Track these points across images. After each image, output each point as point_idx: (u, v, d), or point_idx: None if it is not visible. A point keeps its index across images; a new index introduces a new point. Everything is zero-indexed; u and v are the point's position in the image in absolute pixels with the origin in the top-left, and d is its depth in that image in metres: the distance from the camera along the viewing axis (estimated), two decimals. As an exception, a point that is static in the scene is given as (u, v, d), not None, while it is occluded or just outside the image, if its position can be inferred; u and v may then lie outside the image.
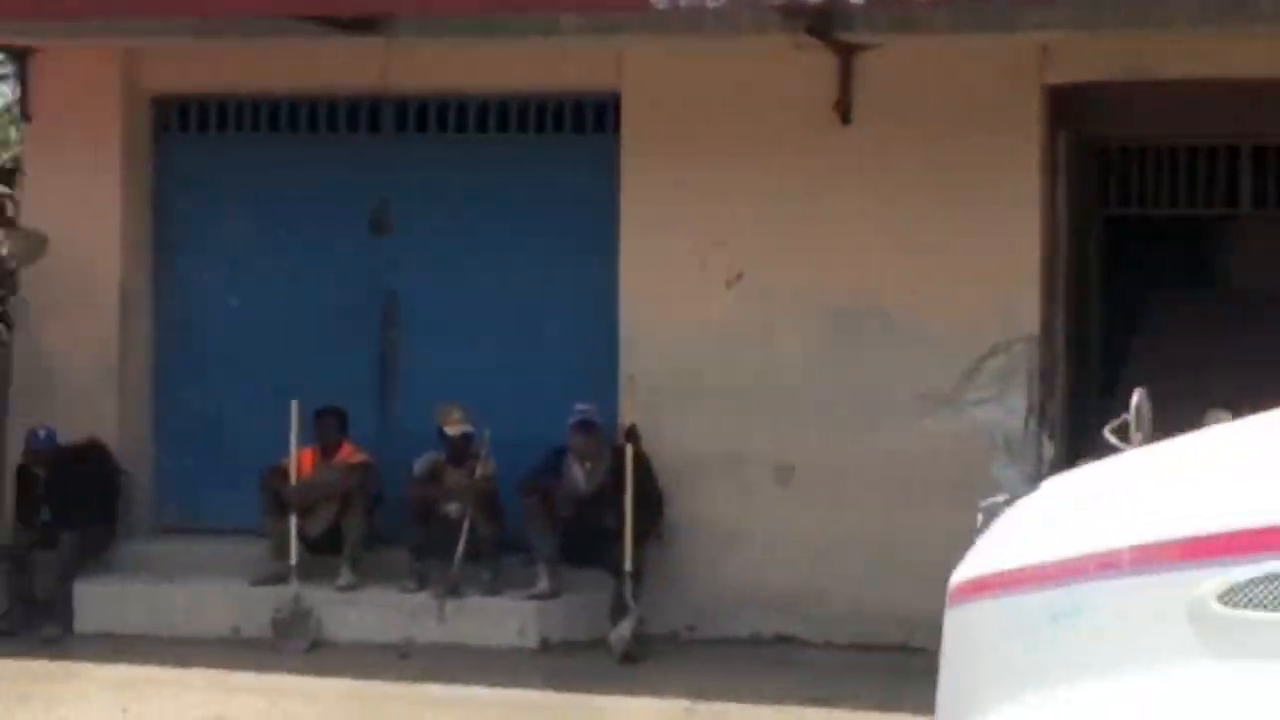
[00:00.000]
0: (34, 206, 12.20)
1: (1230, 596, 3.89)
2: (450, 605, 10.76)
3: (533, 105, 11.67)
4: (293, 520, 11.02)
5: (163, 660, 10.33)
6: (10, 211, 12.49)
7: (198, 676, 10.06)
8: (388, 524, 11.30)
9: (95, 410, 11.74)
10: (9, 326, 12.86)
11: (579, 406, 10.88)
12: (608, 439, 10.99)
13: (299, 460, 11.12)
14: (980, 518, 4.79)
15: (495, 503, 11.02)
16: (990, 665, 4.32)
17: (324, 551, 11.17)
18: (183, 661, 10.29)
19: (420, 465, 11.14)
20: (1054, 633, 4.11)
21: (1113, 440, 5.10)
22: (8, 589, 11.25)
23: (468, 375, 11.49)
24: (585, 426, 10.85)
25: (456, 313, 11.73)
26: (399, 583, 11.03)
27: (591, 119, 11.61)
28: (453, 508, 10.98)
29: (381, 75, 11.39)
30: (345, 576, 11.03)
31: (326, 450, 11.29)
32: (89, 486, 11.44)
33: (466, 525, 10.80)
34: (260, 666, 10.25)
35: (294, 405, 10.91)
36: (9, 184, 14.77)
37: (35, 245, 11.99)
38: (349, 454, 11.31)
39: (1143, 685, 3.96)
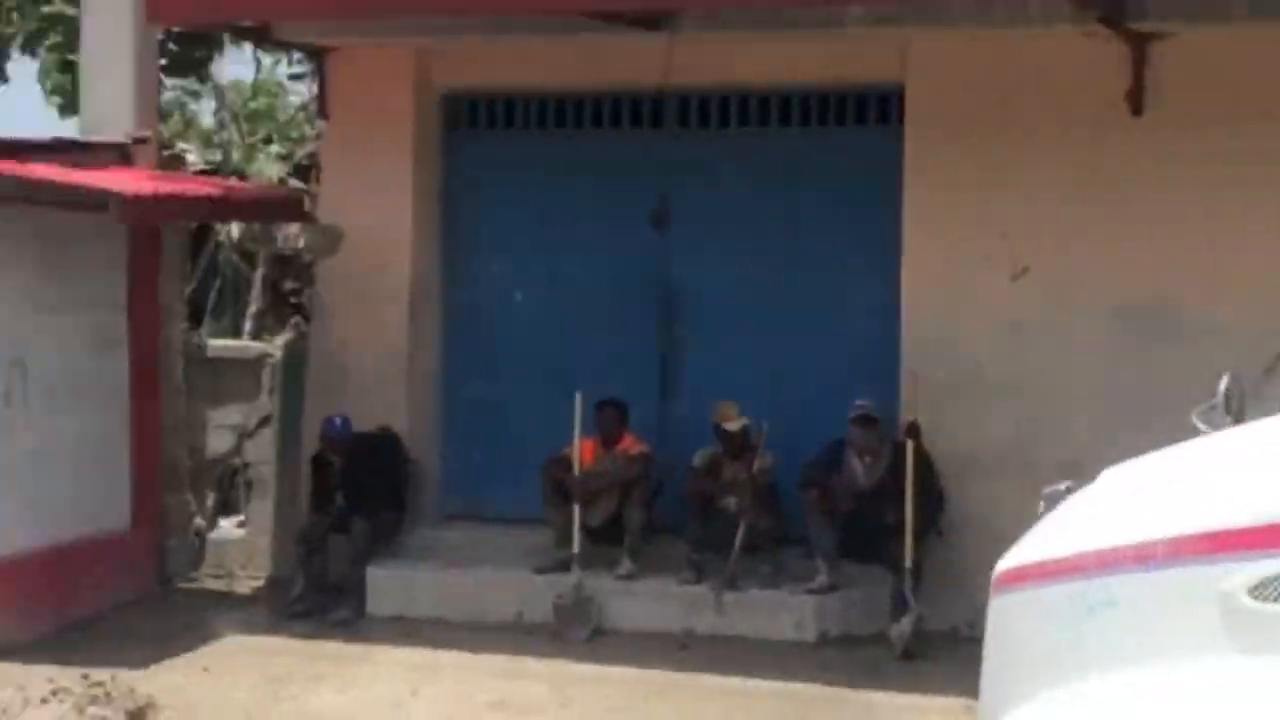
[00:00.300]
0: (329, 202, 12.55)
1: (1260, 590, 3.85)
2: (728, 598, 10.81)
3: (815, 98, 11.65)
4: (575, 510, 11.18)
5: (450, 644, 10.56)
6: (308, 207, 12.85)
7: (483, 662, 10.26)
8: (667, 516, 11.39)
9: (386, 400, 12.06)
10: (306, 319, 13.29)
11: (859, 401, 10.84)
12: (888, 434, 10.93)
13: (581, 451, 11.26)
14: (1042, 505, 4.77)
15: (773, 497, 11.04)
16: (1028, 654, 4.34)
17: (605, 541, 11.31)
18: (469, 646, 10.50)
19: (699, 459, 11.20)
20: (1089, 624, 4.13)
21: (1200, 425, 4.99)
22: (303, 572, 11.59)
23: (748, 368, 11.54)
24: (865, 421, 10.81)
25: (737, 306, 11.78)
26: (678, 574, 11.12)
27: (875, 111, 11.55)
28: (730, 501, 11.03)
29: (665, 70, 11.46)
30: (625, 566, 11.16)
31: (608, 441, 11.42)
32: (381, 474, 11.75)
33: (744, 519, 10.85)
34: (543, 653, 10.44)
35: (577, 397, 11.07)
36: (305, 180, 15.26)
37: (331, 240, 12.37)
38: (630, 445, 11.43)
39: (1173, 678, 3.94)
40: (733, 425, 11.04)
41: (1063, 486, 4.82)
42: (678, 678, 10.01)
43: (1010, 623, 4.49)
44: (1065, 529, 4.47)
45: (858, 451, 10.91)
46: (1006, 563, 4.56)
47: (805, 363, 11.53)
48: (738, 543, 10.81)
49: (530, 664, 10.28)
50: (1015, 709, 4.30)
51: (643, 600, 11.00)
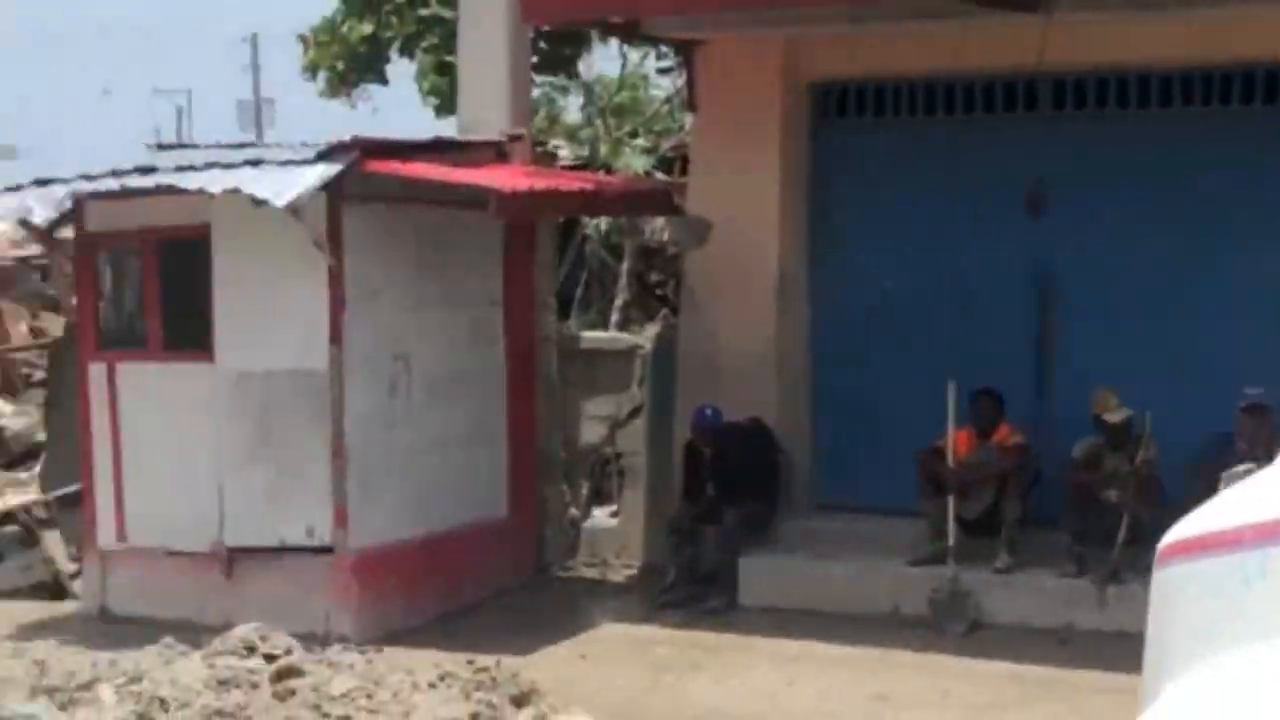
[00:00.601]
0: (697, 194, 12.61)
1: None
2: (1111, 591, 10.52)
3: (1196, 78, 11.24)
4: (950, 501, 11.01)
5: (824, 636, 10.52)
6: (676, 199, 12.94)
7: (859, 654, 10.20)
8: (1044, 507, 11.13)
9: (755, 390, 12.07)
10: (673, 311, 13.39)
11: (1249, 389, 10.40)
12: (1278, 423, 10.47)
13: (956, 441, 11.08)
14: (1222, 485, 4.88)
15: (1157, 489, 10.67)
16: (1188, 625, 4.43)
17: (981, 533, 11.12)
18: (844, 638, 10.45)
19: (1079, 450, 10.92)
20: (1245, 594, 4.19)
21: None
22: (675, 562, 11.68)
23: (1128, 356, 11.21)
24: (1255, 410, 10.38)
25: (1116, 293, 11.46)
26: (1057, 567, 10.86)
27: (1261, 90, 11.08)
28: (1112, 494, 10.74)
29: (1038, 53, 11.19)
30: (1002, 559, 10.96)
31: (983, 432, 11.22)
32: (751, 464, 11.77)
33: (1127, 511, 10.54)
34: (919, 646, 10.33)
35: (950, 386, 10.89)
36: (669, 173, 15.38)
37: (699, 232, 12.44)
38: (1006, 436, 11.21)
39: None
40: (1114, 416, 10.73)
41: (1241, 469, 4.97)
42: (1058, 674, 9.78)
43: (1171, 596, 4.57)
44: (1229, 505, 4.54)
45: (1247, 442, 10.46)
46: (1169, 537, 4.67)
47: (1189, 349, 11.15)
48: (1120, 536, 10.51)
49: (906, 657, 10.18)
50: (1174, 681, 4.35)
51: (1021, 594, 10.78)
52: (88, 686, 8.64)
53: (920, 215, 12.05)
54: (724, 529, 11.58)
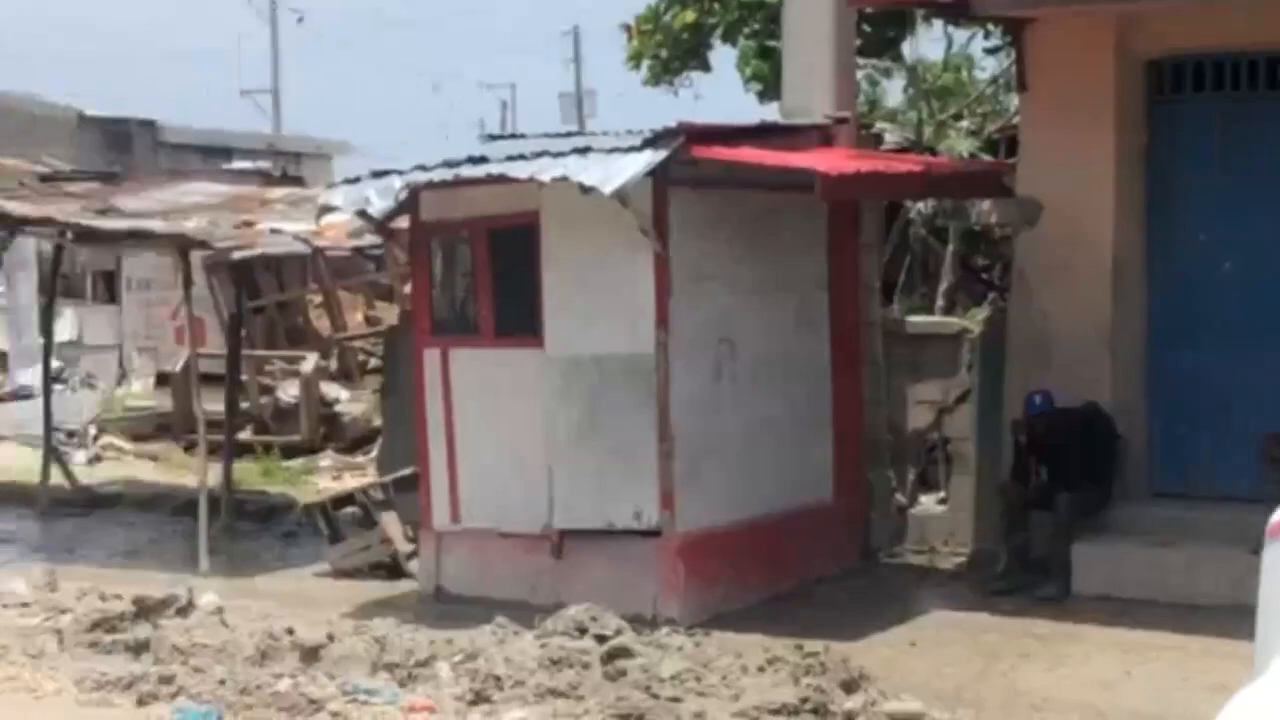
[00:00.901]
0: (1028, 174, 12.35)
1: None
2: None
3: None
4: (1295, 489, 10.61)
5: (1161, 626, 10.23)
6: (1005, 180, 12.70)
7: (1198, 644, 9.87)
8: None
9: (1088, 374, 11.79)
10: (1001, 295, 13.14)
11: None
12: None
13: (1301, 427, 10.69)
14: None
15: None
16: None
17: (1329, 523, 10.66)
18: (1182, 628, 10.14)
19: None
20: None
21: None
22: (1006, 549, 11.49)
23: None
24: None
25: None
26: None
27: None
28: None
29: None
30: (1351, 550, 10.50)
31: (1329, 417, 10.80)
32: (1084, 450, 11.50)
33: None
34: (1262, 638, 9.96)
35: (1299, 370, 10.50)
36: (994, 155, 15.10)
37: (1029, 213, 12.20)
38: (1354, 421, 10.77)
39: None
40: None
41: None
42: None
43: None
44: None
45: None
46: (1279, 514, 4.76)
47: None
48: None
49: (1248, 649, 9.69)
50: None
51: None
52: (426, 664, 8.88)
53: (1261, 194, 11.62)
54: (1057, 515, 11.33)
